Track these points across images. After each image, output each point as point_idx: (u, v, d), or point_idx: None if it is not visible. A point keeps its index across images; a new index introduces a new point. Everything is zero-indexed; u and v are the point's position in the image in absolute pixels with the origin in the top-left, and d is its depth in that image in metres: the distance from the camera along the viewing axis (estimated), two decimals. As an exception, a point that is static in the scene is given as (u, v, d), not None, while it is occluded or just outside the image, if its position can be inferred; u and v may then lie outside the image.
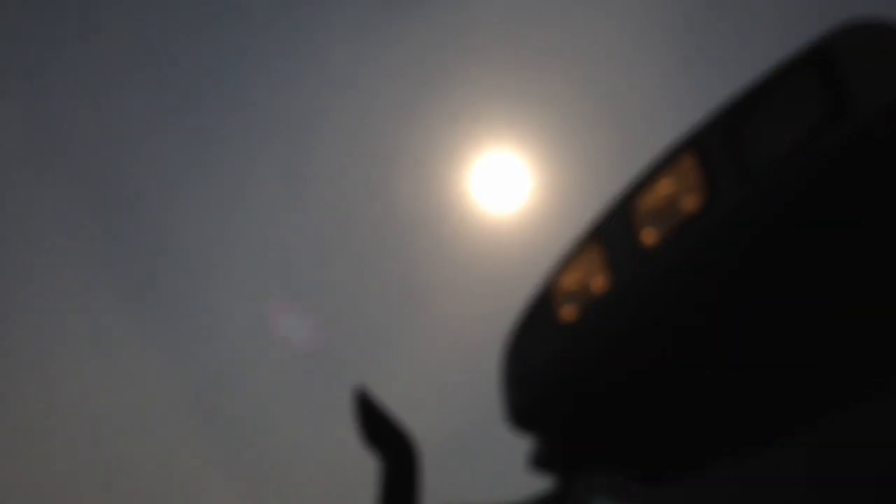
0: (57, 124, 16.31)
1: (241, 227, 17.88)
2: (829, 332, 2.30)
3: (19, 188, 16.76)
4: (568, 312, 2.56)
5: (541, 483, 3.15)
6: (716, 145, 2.20)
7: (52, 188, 16.92)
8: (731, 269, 2.26)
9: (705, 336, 2.44)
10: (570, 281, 2.58)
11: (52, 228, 17.14)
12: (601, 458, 2.88)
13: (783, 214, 2.10)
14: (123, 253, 18.60)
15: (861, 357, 2.30)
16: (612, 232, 2.44)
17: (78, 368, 18.44)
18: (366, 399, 2.59)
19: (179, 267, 18.92)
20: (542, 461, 2.99)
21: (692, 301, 2.35)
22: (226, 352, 19.15)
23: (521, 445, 3.14)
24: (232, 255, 18.23)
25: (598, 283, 2.46)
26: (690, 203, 2.22)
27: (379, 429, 2.55)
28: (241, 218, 17.86)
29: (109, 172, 17.18)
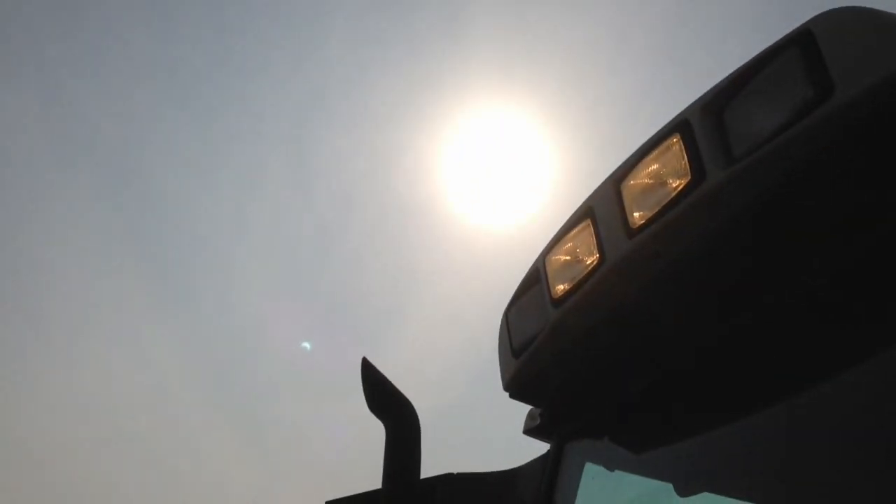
0: (73, 117, 16.31)
1: (248, 212, 17.88)
2: (813, 310, 2.25)
3: (38, 179, 16.80)
4: (561, 288, 2.50)
5: (537, 450, 3.11)
6: (701, 128, 2.13)
7: (71, 179, 16.95)
8: (716, 248, 2.19)
9: (691, 311, 2.38)
10: (562, 259, 2.52)
11: (71, 218, 17.18)
12: (593, 425, 2.83)
13: (769, 195, 2.02)
14: (137, 233, 18.66)
15: (842, 333, 2.24)
16: (602, 211, 2.38)
17: (97, 343, 18.58)
18: (370, 370, 2.58)
19: (191, 246, 18.96)
20: (537, 429, 2.96)
21: (679, 278, 2.29)
22: (238, 329, 19.26)
23: (519, 414, 3.10)
24: (240, 237, 18.24)
25: (589, 260, 2.40)
26: (677, 184, 2.15)
27: (382, 397, 2.53)
28: (249, 204, 17.84)
29: (126, 165, 17.19)
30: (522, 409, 3.08)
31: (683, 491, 2.68)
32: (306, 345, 16.84)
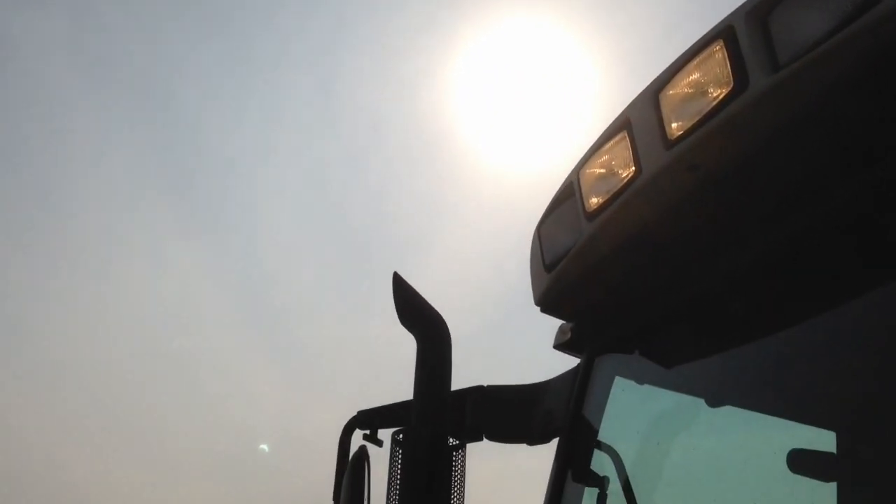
0: (102, 38, 16.18)
1: (277, 137, 17.83)
2: (848, 229, 2.19)
3: (69, 104, 16.80)
4: (595, 202, 2.45)
5: (567, 364, 3.11)
6: (746, 35, 2.04)
7: (101, 102, 16.93)
8: (756, 160, 2.13)
9: (726, 225, 2.33)
10: (597, 171, 2.46)
11: (100, 138, 17.23)
12: (624, 340, 2.82)
13: (814, 103, 1.94)
14: (167, 158, 18.70)
15: (873, 255, 2.19)
16: (639, 123, 2.30)
17: (130, 266, 18.82)
18: (401, 284, 2.57)
19: (221, 171, 19.00)
20: (568, 343, 2.95)
21: (716, 191, 2.23)
22: (267, 251, 19.42)
23: (550, 328, 3.08)
24: (269, 162, 18.23)
25: (625, 173, 2.34)
26: (718, 93, 2.07)
27: (413, 310, 2.53)
28: (277, 128, 17.78)
29: (153, 86, 17.11)
30: (551, 332, 3.07)
31: (712, 402, 2.69)
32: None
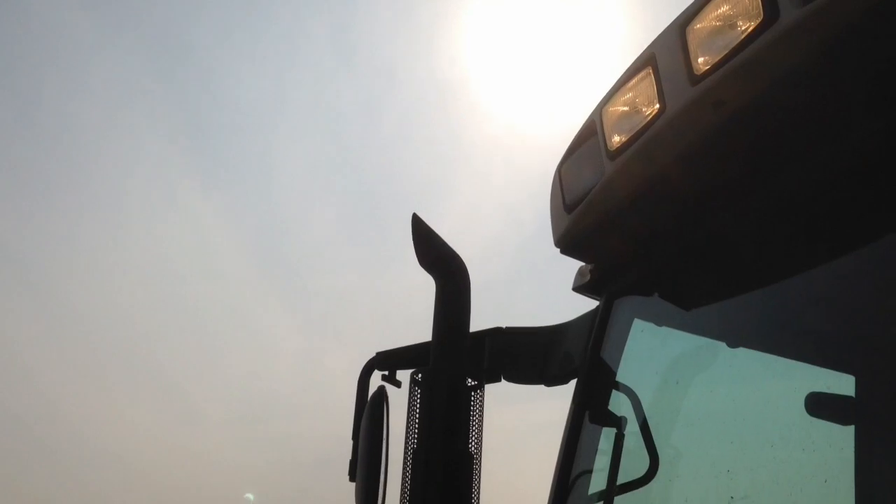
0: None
1: (292, 84, 17.67)
2: (869, 164, 2.15)
3: (81, 45, 16.68)
4: (618, 140, 2.41)
5: (586, 306, 3.08)
6: None
7: (114, 46, 16.80)
8: (784, 95, 2.07)
9: (752, 164, 2.29)
10: (620, 109, 2.41)
11: (115, 85, 17.12)
12: (644, 282, 2.80)
13: (847, 35, 1.88)
14: (183, 105, 18.61)
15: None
16: (664, 58, 2.24)
17: (146, 213, 18.89)
18: (420, 225, 2.55)
19: (237, 122, 18.93)
20: (587, 285, 2.92)
21: (742, 128, 2.18)
22: (282, 199, 19.41)
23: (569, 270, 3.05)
24: (285, 109, 18.11)
25: (649, 110, 2.29)
26: (747, 25, 2.01)
27: (433, 252, 2.51)
28: (292, 75, 17.61)
29: (168, 33, 16.94)
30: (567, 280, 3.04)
31: (732, 344, 2.68)
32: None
